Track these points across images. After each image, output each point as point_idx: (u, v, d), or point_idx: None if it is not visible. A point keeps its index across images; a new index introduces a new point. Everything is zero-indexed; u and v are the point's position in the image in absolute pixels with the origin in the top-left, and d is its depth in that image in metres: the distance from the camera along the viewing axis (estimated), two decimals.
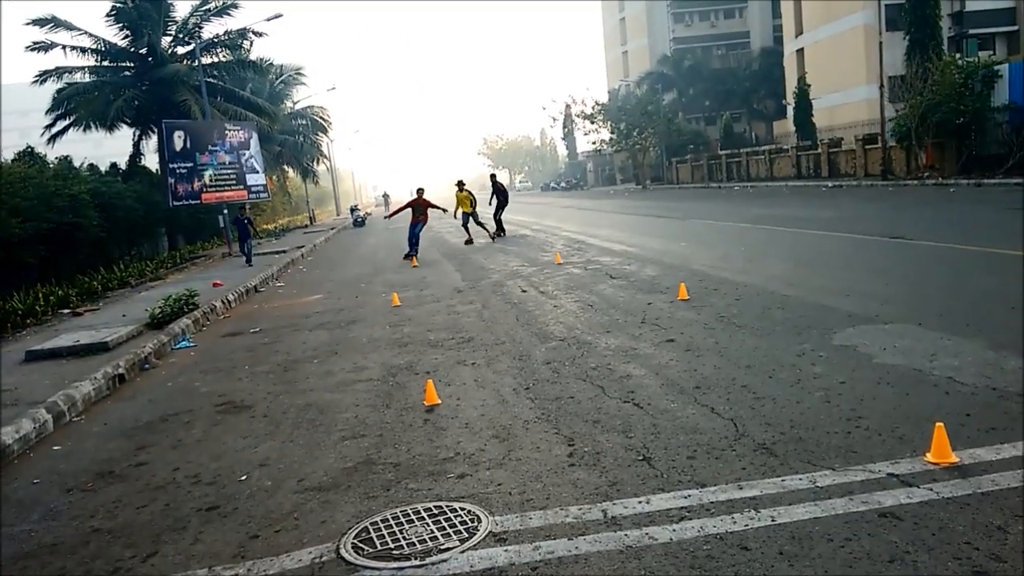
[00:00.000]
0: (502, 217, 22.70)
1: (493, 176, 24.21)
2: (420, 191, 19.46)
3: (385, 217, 25.09)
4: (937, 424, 4.09)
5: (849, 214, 19.45)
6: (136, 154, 29.98)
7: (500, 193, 22.77)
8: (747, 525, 3.54)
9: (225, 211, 25.71)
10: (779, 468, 4.13)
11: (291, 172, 51.84)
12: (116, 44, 28.63)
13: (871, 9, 36.55)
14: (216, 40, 30.36)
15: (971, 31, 41.47)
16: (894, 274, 10.01)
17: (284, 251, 24.36)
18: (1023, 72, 27.08)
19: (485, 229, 21.31)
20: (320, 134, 52.91)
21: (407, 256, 18.19)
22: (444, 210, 20.01)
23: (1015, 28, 42.80)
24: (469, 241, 20.97)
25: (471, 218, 21.33)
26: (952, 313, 7.28)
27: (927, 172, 29.96)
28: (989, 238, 11.96)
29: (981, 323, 6.75)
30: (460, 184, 21.83)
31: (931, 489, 3.71)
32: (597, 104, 63.52)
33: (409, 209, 19.07)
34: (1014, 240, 11.39)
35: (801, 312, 7.99)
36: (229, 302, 13.37)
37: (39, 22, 26.78)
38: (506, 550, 3.57)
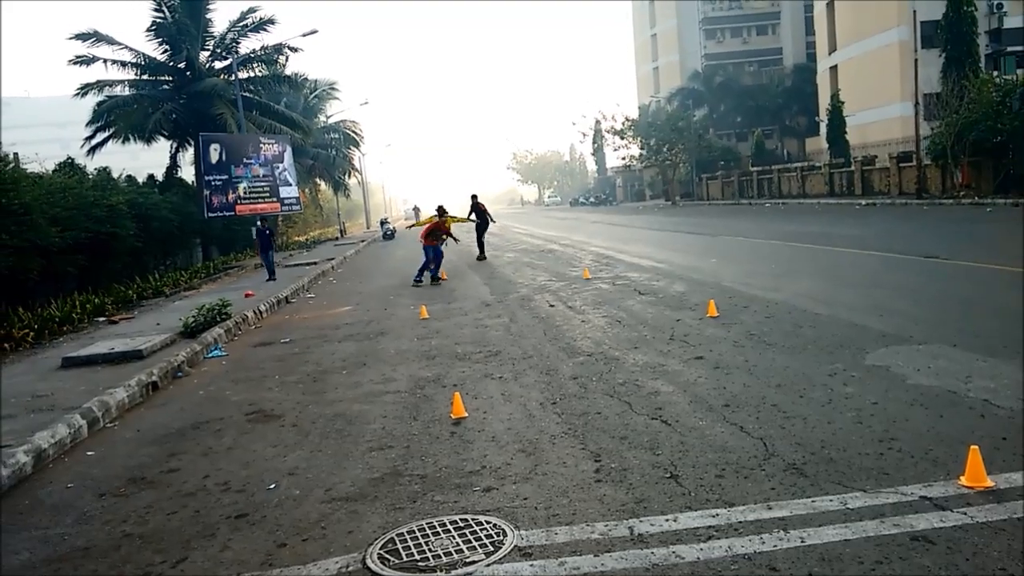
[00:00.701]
0: (484, 240, 21.79)
1: (474, 197, 22.71)
2: (440, 210, 18.26)
3: (408, 227, 24.78)
4: (972, 447, 4.01)
5: (883, 232, 19.20)
6: (173, 166, 30.53)
7: (481, 214, 21.82)
8: (776, 546, 3.50)
9: (259, 223, 26.04)
10: (809, 489, 4.08)
11: (323, 185, 52.43)
12: (155, 58, 29.26)
13: (906, 26, 36.22)
14: (252, 55, 30.91)
15: (1009, 48, 40.86)
16: (928, 294, 9.85)
17: (315, 263, 24.61)
18: None
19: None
20: (352, 148, 53.49)
21: (416, 281, 16.47)
22: (456, 239, 19.24)
23: None
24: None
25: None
26: (988, 334, 7.14)
27: (963, 191, 29.50)
28: None
29: (1018, 345, 6.61)
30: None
31: (965, 513, 3.64)
32: (627, 120, 63.57)
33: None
34: None
35: (833, 331, 7.89)
36: (260, 312, 13.54)
37: (82, 36, 27.46)
38: (531, 564, 3.57)
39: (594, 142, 75.94)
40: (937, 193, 31.66)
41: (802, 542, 3.50)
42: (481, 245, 21.48)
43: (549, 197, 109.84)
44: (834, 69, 49.92)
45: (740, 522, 3.76)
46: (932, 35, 34.98)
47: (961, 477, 3.99)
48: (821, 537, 3.53)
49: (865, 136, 43.81)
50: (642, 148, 62.17)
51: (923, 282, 10.81)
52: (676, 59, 76.14)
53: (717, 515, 3.87)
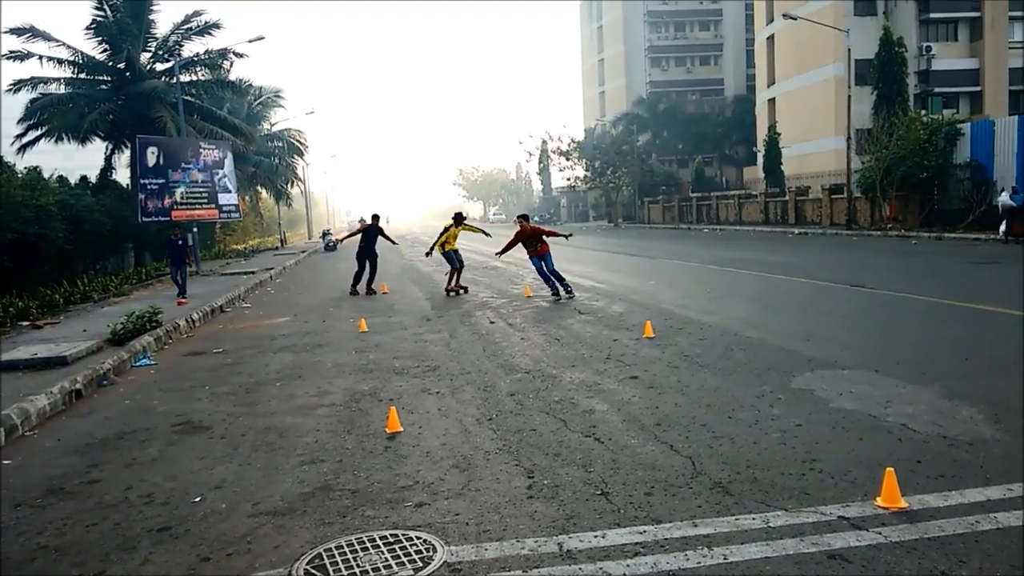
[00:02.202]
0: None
1: (375, 217, 18.00)
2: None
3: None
4: (888, 469, 4.19)
5: (814, 261, 19.85)
6: (107, 168, 29.67)
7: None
8: (699, 562, 3.58)
9: (195, 229, 25.47)
10: (733, 507, 4.19)
11: (264, 193, 51.60)
12: (94, 57, 28.47)
13: (842, 63, 37.72)
14: (196, 59, 30.32)
15: (936, 89, 42.98)
16: (854, 321, 10.22)
17: (252, 272, 24.15)
18: (984, 131, 28.05)
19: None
20: (296, 157, 52.83)
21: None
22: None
23: (978, 88, 44.47)
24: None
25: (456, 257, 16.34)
26: (909, 361, 7.45)
27: (890, 224, 30.73)
28: (948, 290, 12.30)
29: (937, 372, 6.92)
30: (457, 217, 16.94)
31: (880, 533, 3.79)
32: (573, 141, 64.36)
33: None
34: (972, 293, 11.72)
35: (763, 354, 8.13)
36: (193, 321, 13.21)
37: (17, 31, 26.57)
38: None
39: (540, 162, 76.68)
40: (866, 225, 32.90)
41: (725, 559, 3.60)
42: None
43: (494, 214, 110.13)
44: (772, 101, 51.64)
45: (666, 539, 3.84)
46: (866, 73, 36.52)
47: (877, 498, 4.15)
48: (743, 554, 3.63)
49: (801, 167, 45.34)
50: (587, 170, 63.00)
51: (850, 310, 11.22)
52: (622, 84, 77.71)
53: (644, 532, 3.94)
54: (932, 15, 44.05)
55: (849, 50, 33.92)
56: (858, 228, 32.50)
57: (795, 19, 35.60)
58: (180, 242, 17.19)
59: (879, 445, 5.09)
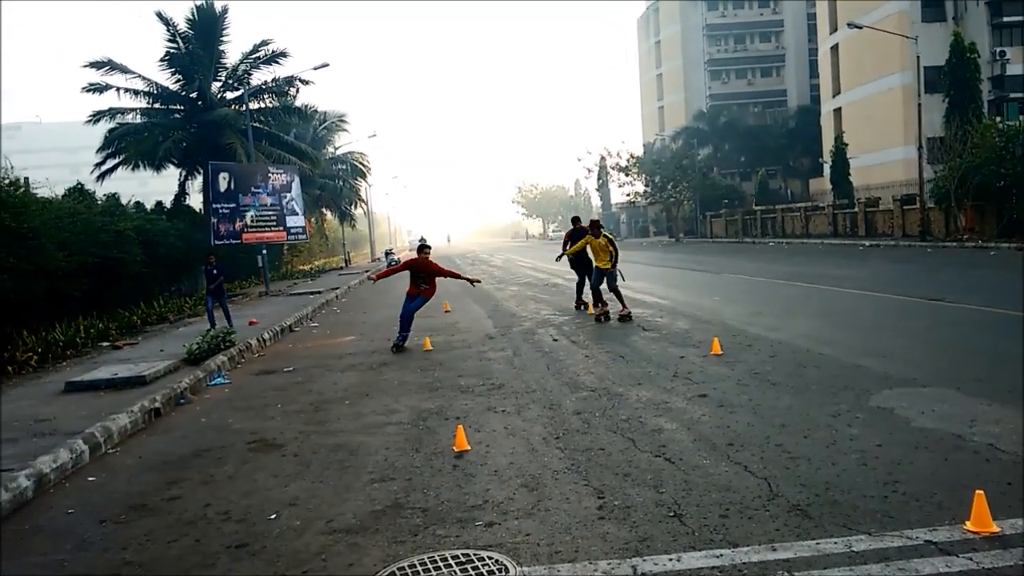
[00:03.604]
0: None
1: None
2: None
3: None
4: (977, 492, 4.00)
5: (887, 274, 19.23)
6: (181, 193, 30.80)
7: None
8: None
9: (264, 251, 26.22)
10: (814, 531, 4.05)
11: (329, 215, 52.81)
12: (168, 87, 29.68)
13: (910, 71, 36.66)
14: (264, 87, 31.36)
15: (1012, 95, 41.30)
16: (932, 337, 9.86)
17: (319, 291, 24.68)
18: None
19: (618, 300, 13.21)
20: (359, 179, 53.97)
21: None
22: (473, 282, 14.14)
23: None
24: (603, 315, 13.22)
25: (606, 278, 13.28)
26: (992, 379, 7.13)
27: (966, 234, 29.60)
28: None
29: (1023, 389, 6.60)
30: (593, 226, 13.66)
31: (971, 559, 3.62)
32: (632, 157, 64.01)
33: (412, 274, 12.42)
34: None
35: (836, 372, 7.89)
36: (264, 340, 13.55)
37: (96, 64, 27.89)
38: None
39: (599, 178, 76.45)
40: (940, 236, 31.76)
41: None
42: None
43: (553, 231, 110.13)
44: (838, 111, 50.42)
45: (744, 563, 3.74)
46: (935, 80, 35.40)
47: (966, 522, 3.96)
48: None
49: (868, 178, 44.09)
50: (647, 185, 62.53)
51: (927, 325, 10.82)
52: (681, 98, 77.01)
53: (721, 555, 3.84)
54: (1005, 18, 42.42)
55: (918, 57, 32.94)
56: (932, 239, 31.39)
57: (860, 28, 34.71)
58: (215, 271, 14.82)
59: (965, 466, 4.87)
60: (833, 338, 9.93)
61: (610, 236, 13.82)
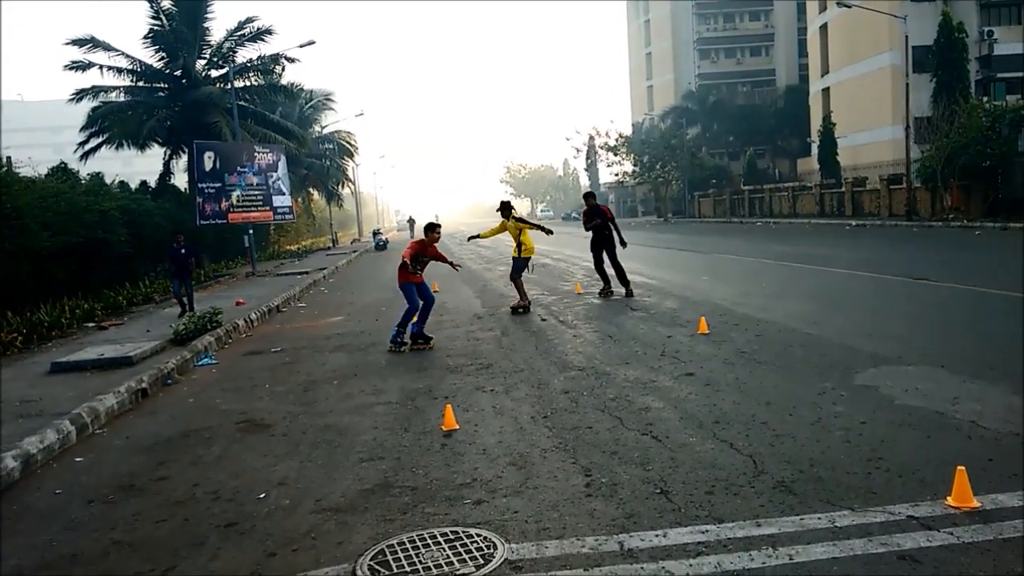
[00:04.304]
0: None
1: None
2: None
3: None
4: (959, 467, 4.06)
5: (873, 254, 19.34)
6: (166, 173, 30.48)
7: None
8: (764, 563, 3.52)
9: (251, 231, 26.08)
10: (798, 506, 4.11)
11: (316, 195, 52.50)
12: (151, 65, 29.25)
13: (898, 50, 36.67)
14: (249, 64, 30.97)
15: (999, 75, 41.42)
16: (917, 315, 9.95)
17: (306, 272, 24.59)
18: None
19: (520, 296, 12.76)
20: (346, 158, 53.63)
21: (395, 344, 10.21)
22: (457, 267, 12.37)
23: None
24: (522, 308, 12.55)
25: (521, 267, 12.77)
26: (976, 357, 7.21)
27: (952, 214, 29.79)
28: (1016, 282, 11.85)
29: (1005, 368, 6.68)
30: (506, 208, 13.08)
31: (951, 533, 3.68)
32: (621, 136, 63.93)
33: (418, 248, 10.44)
34: None
35: (822, 351, 7.95)
36: (251, 321, 13.51)
37: (78, 42, 27.43)
38: None
39: (588, 158, 76.46)
40: (926, 215, 31.95)
41: (790, 559, 3.53)
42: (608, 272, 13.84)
43: (542, 211, 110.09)
44: (826, 91, 50.44)
45: (729, 539, 3.79)
46: (923, 60, 35.45)
47: (948, 497, 4.02)
48: (809, 555, 3.56)
49: (856, 158, 44.23)
50: (635, 165, 62.50)
51: (912, 304, 10.91)
52: (670, 78, 76.82)
53: (707, 531, 3.89)
54: None
55: (907, 37, 32.93)
56: (918, 219, 31.58)
57: (849, 7, 34.65)
58: (183, 251, 13.98)
59: (948, 443, 4.94)
60: (820, 317, 10.00)
61: (525, 221, 13.21)
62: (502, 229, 13.07)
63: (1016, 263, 15.15)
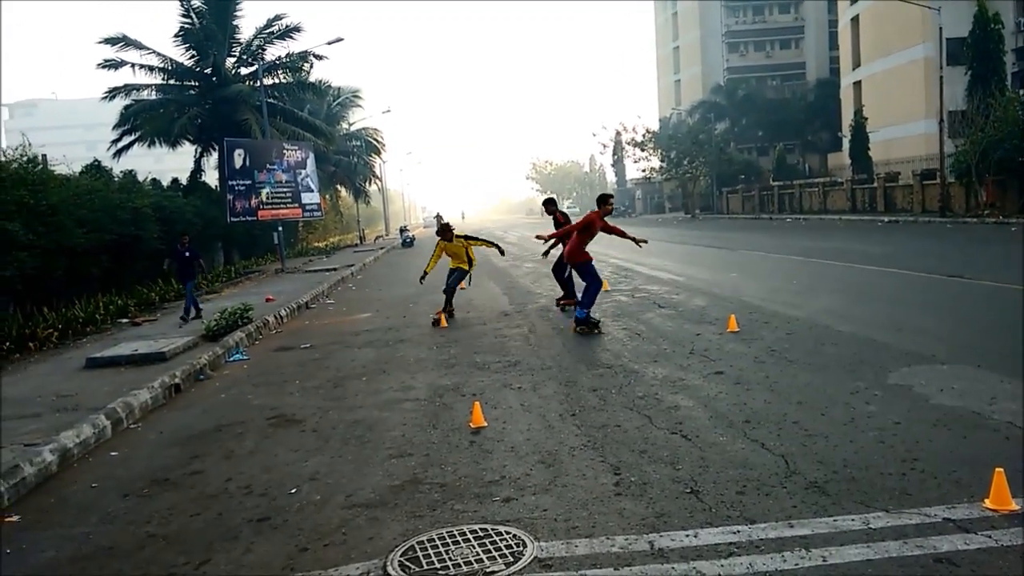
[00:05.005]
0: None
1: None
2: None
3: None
4: (997, 469, 3.98)
5: (906, 250, 19.04)
6: (197, 170, 30.90)
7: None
8: (797, 564, 3.48)
9: (280, 228, 26.33)
10: (831, 508, 4.06)
11: (344, 192, 52.84)
12: (182, 63, 29.65)
13: (931, 43, 35.98)
14: (278, 62, 31.27)
15: None
16: (952, 313, 9.77)
17: (334, 268, 24.78)
18: None
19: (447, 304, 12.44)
20: (373, 155, 53.93)
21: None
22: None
23: None
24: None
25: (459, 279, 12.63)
26: (1013, 356, 7.06)
27: (987, 210, 29.19)
28: None
29: None
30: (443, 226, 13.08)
31: (990, 536, 3.61)
32: (648, 132, 63.51)
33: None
34: None
35: (855, 349, 7.84)
36: (281, 317, 13.65)
37: (111, 41, 27.89)
38: None
39: (614, 153, 76.11)
40: (961, 211, 31.36)
41: (824, 561, 3.49)
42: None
43: (568, 207, 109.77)
44: (858, 85, 49.66)
45: (761, 539, 3.75)
46: (958, 52, 34.71)
47: (985, 500, 3.95)
48: (843, 556, 3.52)
49: (888, 152, 43.50)
50: (662, 160, 62.09)
51: (946, 301, 10.72)
52: (698, 72, 76.06)
53: (738, 532, 3.86)
54: None
55: (940, 29, 32.31)
56: (952, 215, 31.02)
57: None
58: (187, 253, 13.50)
59: (985, 444, 4.85)
60: (851, 315, 9.86)
61: (472, 237, 13.17)
62: (440, 254, 12.80)
63: None
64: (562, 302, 12.41)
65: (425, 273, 12.96)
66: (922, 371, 6.72)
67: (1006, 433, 5.00)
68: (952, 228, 26.56)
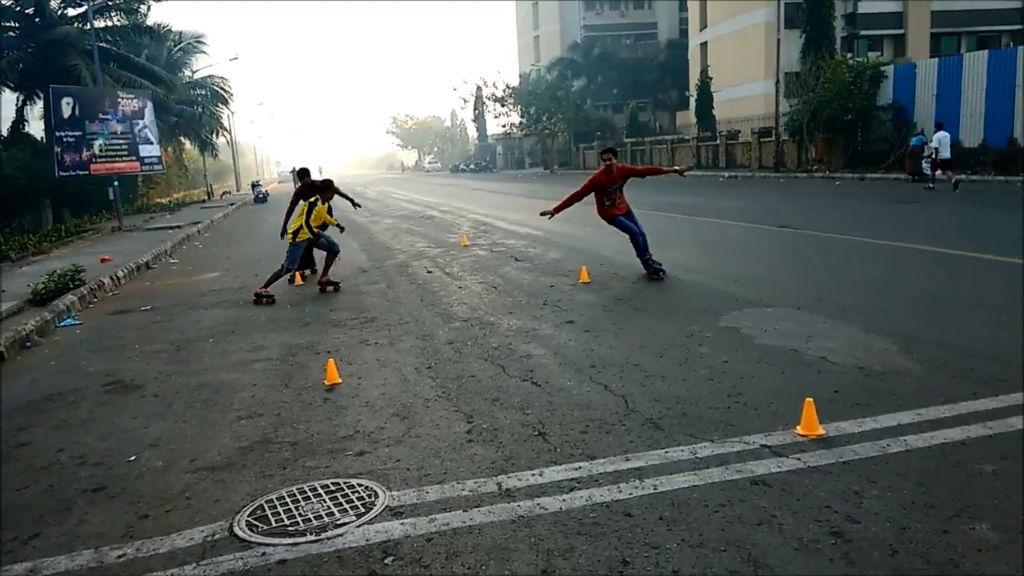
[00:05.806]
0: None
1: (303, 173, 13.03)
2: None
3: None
4: (807, 399, 4.41)
5: (743, 204, 20.30)
6: (19, 120, 28.10)
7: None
8: (631, 494, 3.74)
9: (116, 183, 24.49)
10: (663, 441, 4.37)
11: (188, 144, 49.68)
12: (0, 2, 26.69)
13: (772, 7, 37.99)
14: (110, 3, 28.73)
15: (862, 32, 43.71)
16: (781, 261, 10.58)
17: (179, 226, 23.43)
18: (906, 74, 28.86)
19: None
20: (220, 105, 50.87)
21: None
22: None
23: (902, 32, 45.41)
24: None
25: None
26: (830, 298, 7.77)
27: (816, 165, 31.56)
28: (868, 229, 12.78)
29: (857, 308, 7.24)
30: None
31: (799, 459, 4.01)
32: (508, 87, 63.63)
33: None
34: (889, 231, 12.22)
35: (694, 296, 8.37)
36: (118, 279, 12.82)
37: None
38: (402, 523, 3.65)
39: (475, 108, 75.72)
40: (793, 167, 33.71)
41: (655, 489, 3.77)
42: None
43: (429, 163, 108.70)
44: (704, 45, 51.82)
45: (600, 474, 3.99)
46: (795, 16, 36.90)
47: (797, 427, 4.38)
48: (672, 484, 3.81)
49: (732, 111, 45.87)
50: (522, 116, 62.54)
51: (777, 251, 11.59)
52: (557, 29, 76.72)
53: (579, 468, 4.08)
54: None
55: None
56: (785, 170, 33.28)
57: None
58: None
59: (800, 378, 5.35)
60: (694, 265, 10.48)
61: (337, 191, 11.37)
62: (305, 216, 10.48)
63: (869, 211, 16.31)
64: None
65: (285, 231, 11.09)
66: (749, 314, 7.27)
67: (818, 368, 5.53)
68: (784, 182, 28.57)
